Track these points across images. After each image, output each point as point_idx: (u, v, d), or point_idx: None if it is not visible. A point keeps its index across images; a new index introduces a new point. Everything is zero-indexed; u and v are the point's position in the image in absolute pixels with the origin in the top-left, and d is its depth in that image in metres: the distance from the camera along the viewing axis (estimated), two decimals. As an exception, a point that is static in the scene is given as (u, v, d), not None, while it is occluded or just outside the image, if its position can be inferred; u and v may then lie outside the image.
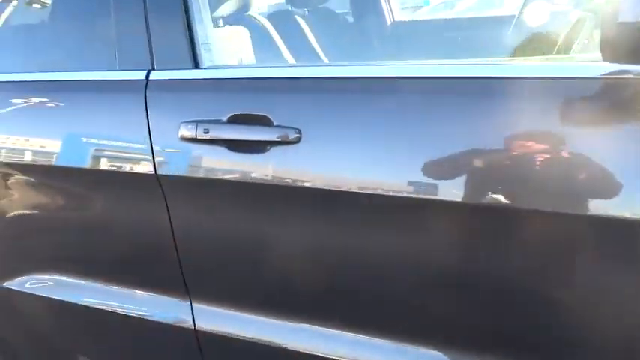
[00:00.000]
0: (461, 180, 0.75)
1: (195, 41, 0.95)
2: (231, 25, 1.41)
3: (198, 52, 0.95)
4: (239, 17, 1.43)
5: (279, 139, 0.83)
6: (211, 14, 1.04)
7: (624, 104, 0.66)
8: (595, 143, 0.67)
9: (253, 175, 0.86)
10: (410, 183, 0.77)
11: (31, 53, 1.16)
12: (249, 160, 0.86)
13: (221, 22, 1.30)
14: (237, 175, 0.88)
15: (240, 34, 1.28)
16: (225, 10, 1.37)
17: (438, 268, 0.80)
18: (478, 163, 0.74)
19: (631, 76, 0.63)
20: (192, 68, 0.95)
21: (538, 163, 0.70)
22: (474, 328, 0.81)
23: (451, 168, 0.75)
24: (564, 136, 0.69)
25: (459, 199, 0.73)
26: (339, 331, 0.90)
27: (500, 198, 0.72)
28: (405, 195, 0.77)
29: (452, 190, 0.75)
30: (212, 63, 0.97)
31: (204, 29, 0.97)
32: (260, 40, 1.39)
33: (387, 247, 0.82)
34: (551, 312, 0.74)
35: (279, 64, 1.36)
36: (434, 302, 0.82)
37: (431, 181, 0.75)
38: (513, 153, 0.72)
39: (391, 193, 0.78)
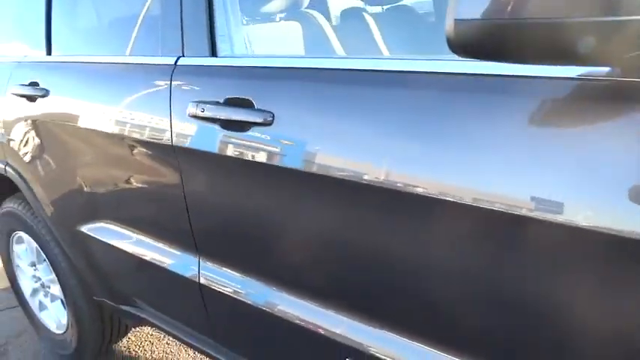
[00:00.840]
0: (402, 163, 0.78)
1: (215, 34, 1.10)
2: (285, 19, 1.55)
3: (216, 44, 1.10)
4: (293, 12, 1.55)
5: (256, 121, 0.94)
6: (239, 11, 1.18)
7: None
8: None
9: (237, 150, 0.99)
10: (351, 163, 0.83)
11: (105, 40, 1.43)
12: (234, 137, 0.99)
13: (259, 17, 1.45)
14: (225, 150, 1.01)
15: (281, 28, 1.41)
16: (271, 7, 1.51)
17: (385, 245, 0.84)
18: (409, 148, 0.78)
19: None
20: (209, 56, 1.10)
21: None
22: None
23: (396, 155, 0.80)
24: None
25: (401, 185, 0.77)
26: (323, 303, 0.98)
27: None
28: (344, 174, 0.83)
29: (394, 174, 0.79)
30: (229, 53, 1.11)
31: (225, 24, 1.12)
32: (309, 34, 1.49)
33: (340, 220, 0.89)
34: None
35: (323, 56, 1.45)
36: (396, 273, 0.85)
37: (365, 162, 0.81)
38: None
39: (338, 174, 0.85)
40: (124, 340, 2.07)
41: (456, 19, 0.51)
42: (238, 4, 1.17)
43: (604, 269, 0.63)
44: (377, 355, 0.90)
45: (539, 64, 0.62)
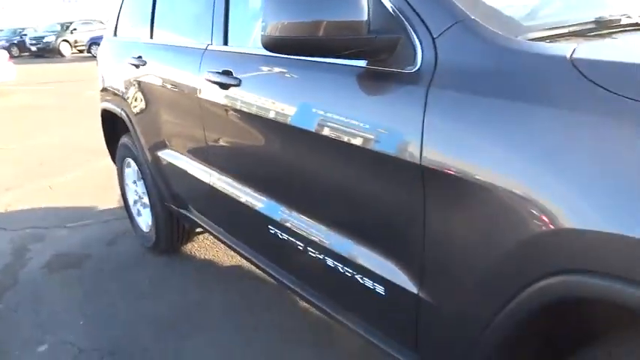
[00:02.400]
0: (309, 114, 1.40)
1: (228, 32, 1.79)
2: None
3: (228, 38, 1.79)
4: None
5: (232, 83, 1.62)
6: (241, 17, 1.84)
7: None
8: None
9: (224, 100, 1.68)
10: (276, 109, 1.48)
11: (177, 30, 2.21)
12: (222, 92, 1.68)
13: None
14: (219, 99, 1.70)
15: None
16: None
17: (296, 157, 1.47)
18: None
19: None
20: (223, 45, 1.80)
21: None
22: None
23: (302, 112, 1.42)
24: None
25: (311, 129, 1.36)
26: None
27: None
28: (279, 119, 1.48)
29: (305, 121, 1.41)
30: (234, 44, 1.80)
31: (232, 26, 1.80)
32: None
33: (281, 149, 1.53)
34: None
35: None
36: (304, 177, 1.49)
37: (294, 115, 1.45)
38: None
39: (270, 115, 1.49)
40: (188, 244, 2.91)
41: (262, 35, 1.13)
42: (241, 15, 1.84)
43: (381, 178, 1.19)
44: (290, 227, 1.53)
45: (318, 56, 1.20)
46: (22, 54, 22.65)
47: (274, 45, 1.14)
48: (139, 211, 2.97)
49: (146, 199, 2.77)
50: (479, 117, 0.93)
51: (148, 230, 2.87)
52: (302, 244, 1.47)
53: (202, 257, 2.82)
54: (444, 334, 1.10)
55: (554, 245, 0.81)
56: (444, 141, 0.98)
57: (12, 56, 11.92)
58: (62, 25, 23.60)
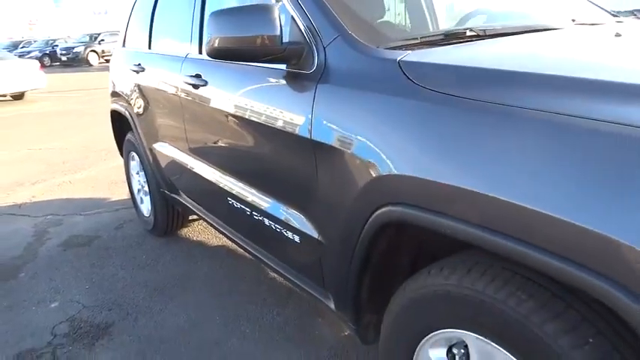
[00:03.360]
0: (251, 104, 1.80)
1: (202, 44, 2.20)
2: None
3: (202, 48, 2.20)
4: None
5: (201, 84, 2.02)
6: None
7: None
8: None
9: (196, 97, 2.08)
10: (231, 104, 1.87)
11: (166, 42, 2.64)
12: (195, 91, 2.08)
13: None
14: (193, 97, 2.11)
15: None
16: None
17: (241, 140, 1.87)
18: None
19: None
20: (198, 53, 2.20)
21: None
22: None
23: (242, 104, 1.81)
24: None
25: (250, 117, 1.76)
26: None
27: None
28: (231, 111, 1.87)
29: (247, 111, 1.80)
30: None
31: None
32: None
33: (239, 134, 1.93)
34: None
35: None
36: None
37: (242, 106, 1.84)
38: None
39: (226, 109, 1.89)
40: (183, 229, 3.32)
41: (206, 46, 1.53)
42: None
43: (294, 152, 1.57)
44: (240, 196, 1.92)
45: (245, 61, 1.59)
46: (54, 63, 23.76)
47: (214, 53, 1.54)
48: (141, 198, 3.40)
49: (147, 188, 3.19)
50: (345, 103, 1.30)
51: (148, 215, 3.29)
52: (248, 210, 1.86)
53: (193, 239, 3.23)
54: (336, 270, 1.46)
55: (382, 187, 1.17)
56: (324, 121, 1.35)
57: (44, 65, 12.71)
58: (91, 36, 24.71)
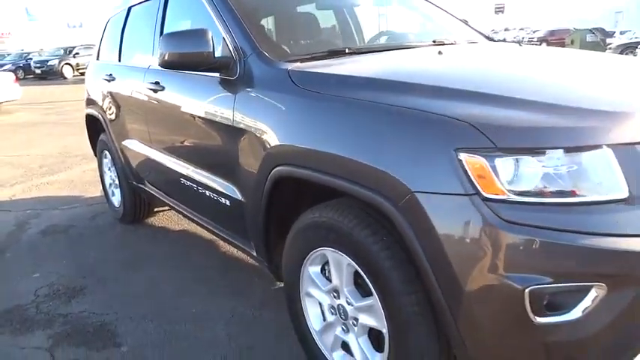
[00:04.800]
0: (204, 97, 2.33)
1: (162, 56, 2.74)
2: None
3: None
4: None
5: (159, 89, 2.55)
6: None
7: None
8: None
9: (156, 99, 2.61)
10: (185, 104, 2.41)
11: (133, 55, 3.17)
12: (155, 94, 2.61)
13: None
14: (153, 99, 2.63)
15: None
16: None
17: (193, 132, 2.41)
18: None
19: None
20: (159, 65, 2.74)
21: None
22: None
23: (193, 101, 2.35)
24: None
25: (193, 113, 2.29)
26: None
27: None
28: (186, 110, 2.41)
29: (191, 108, 2.34)
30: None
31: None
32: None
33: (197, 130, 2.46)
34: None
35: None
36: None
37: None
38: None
39: (179, 108, 2.42)
40: (149, 219, 3.82)
41: (158, 59, 2.06)
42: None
43: (223, 135, 2.11)
44: (187, 174, 2.45)
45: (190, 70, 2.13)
46: (27, 76, 23.87)
47: (165, 64, 2.07)
48: (112, 191, 3.89)
49: (117, 181, 3.68)
50: (254, 99, 1.86)
51: (118, 206, 3.78)
52: (195, 185, 2.39)
53: (157, 226, 3.73)
54: (252, 222, 2.00)
55: (274, 154, 1.72)
56: (241, 112, 1.90)
57: (17, 78, 12.97)
58: (65, 49, 24.90)
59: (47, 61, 24.07)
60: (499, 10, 57.21)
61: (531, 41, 30.32)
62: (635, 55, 17.07)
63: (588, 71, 1.79)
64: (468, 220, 1.18)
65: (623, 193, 1.16)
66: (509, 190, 1.17)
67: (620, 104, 1.29)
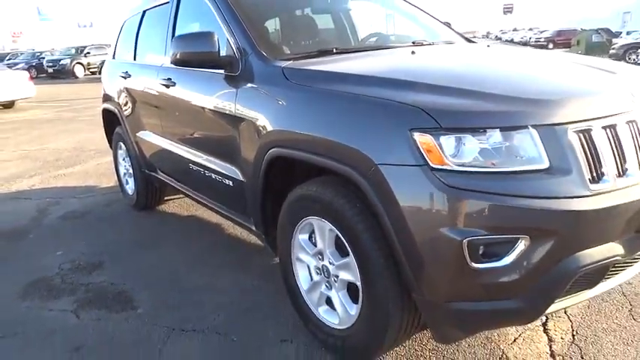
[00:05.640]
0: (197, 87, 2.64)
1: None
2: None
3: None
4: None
5: (172, 85, 2.86)
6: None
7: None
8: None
9: (168, 95, 2.92)
10: (193, 98, 2.72)
11: (147, 53, 3.49)
12: (168, 90, 2.92)
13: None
14: (166, 94, 2.94)
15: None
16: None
17: (195, 122, 2.71)
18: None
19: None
20: (172, 62, 3.05)
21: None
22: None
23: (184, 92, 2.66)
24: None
25: (202, 105, 2.59)
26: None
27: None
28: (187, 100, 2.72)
29: (200, 102, 2.65)
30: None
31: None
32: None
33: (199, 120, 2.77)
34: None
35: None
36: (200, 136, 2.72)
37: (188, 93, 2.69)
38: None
39: (186, 101, 2.73)
40: (160, 206, 4.14)
41: (170, 57, 2.37)
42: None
43: (226, 124, 2.42)
44: (195, 160, 2.75)
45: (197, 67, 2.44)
46: (40, 75, 24.39)
47: (176, 62, 2.38)
48: (127, 180, 4.21)
49: (131, 171, 4.01)
50: (253, 92, 2.16)
51: (132, 194, 4.10)
52: (202, 170, 2.69)
53: (168, 212, 4.05)
54: (252, 198, 2.30)
55: (269, 137, 2.02)
56: (242, 104, 2.20)
57: (30, 77, 13.41)
58: (77, 49, 25.42)
59: (59, 60, 24.59)
60: (508, 10, 57.14)
61: (538, 41, 30.46)
62: (637, 56, 17.22)
63: (532, 67, 2.08)
64: (420, 186, 1.47)
65: (544, 164, 1.44)
66: (452, 162, 1.45)
67: (544, 92, 1.57)
